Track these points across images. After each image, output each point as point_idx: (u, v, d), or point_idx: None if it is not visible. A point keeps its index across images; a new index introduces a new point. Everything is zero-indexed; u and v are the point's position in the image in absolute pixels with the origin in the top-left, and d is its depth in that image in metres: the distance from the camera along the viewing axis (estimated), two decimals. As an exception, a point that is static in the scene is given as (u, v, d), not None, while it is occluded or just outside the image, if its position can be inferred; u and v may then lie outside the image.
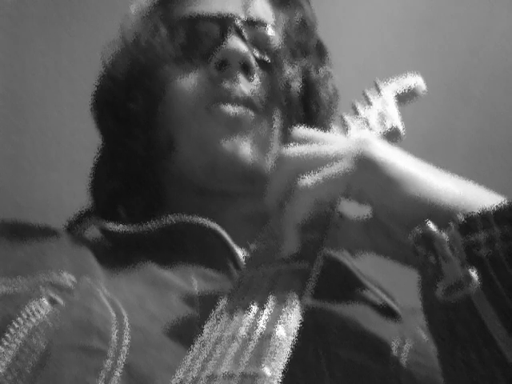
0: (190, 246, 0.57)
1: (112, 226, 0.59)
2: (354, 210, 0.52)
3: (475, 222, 0.37)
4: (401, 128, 0.58)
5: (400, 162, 0.43)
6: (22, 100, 1.31)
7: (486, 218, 0.37)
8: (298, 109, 0.66)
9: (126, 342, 0.43)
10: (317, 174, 0.44)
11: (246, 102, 0.61)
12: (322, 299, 0.54)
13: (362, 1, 1.36)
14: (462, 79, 1.35)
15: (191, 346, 0.37)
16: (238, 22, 0.64)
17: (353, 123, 0.62)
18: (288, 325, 0.36)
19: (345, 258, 0.61)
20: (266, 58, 0.65)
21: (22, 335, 0.43)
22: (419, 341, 0.52)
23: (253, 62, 0.63)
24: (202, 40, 0.64)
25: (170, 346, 0.44)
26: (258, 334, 0.35)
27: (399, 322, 0.58)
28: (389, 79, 0.68)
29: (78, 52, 1.25)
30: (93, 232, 0.64)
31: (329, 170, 0.44)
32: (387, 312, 0.59)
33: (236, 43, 0.62)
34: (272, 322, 0.36)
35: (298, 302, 0.38)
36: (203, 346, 0.36)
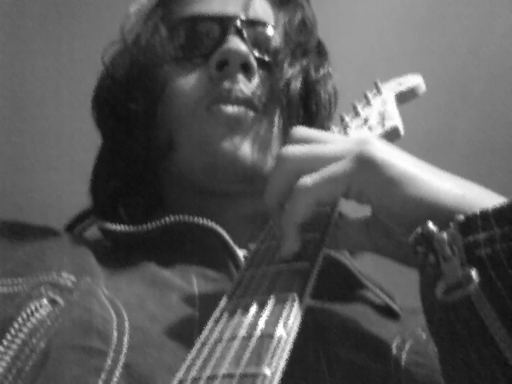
0: (190, 246, 0.57)
1: (112, 226, 0.59)
2: (353, 210, 0.52)
3: (475, 222, 0.37)
4: (401, 128, 0.58)
5: (400, 162, 0.43)
6: (22, 100, 1.30)
7: (486, 219, 0.37)
8: (298, 109, 0.66)
9: (126, 341, 0.43)
10: (317, 174, 0.44)
11: (246, 102, 0.61)
12: (322, 299, 0.54)
13: (362, 1, 1.36)
14: (461, 79, 1.35)
15: (191, 346, 0.37)
16: (238, 22, 0.64)
17: (353, 123, 0.62)
18: (288, 325, 0.36)
19: (345, 257, 0.61)
20: (266, 58, 0.65)
21: (22, 335, 0.43)
22: (419, 341, 0.52)
23: (253, 61, 0.63)
24: (202, 40, 0.64)
25: (169, 345, 0.44)
26: (258, 333, 0.35)
27: (399, 322, 0.58)
28: (389, 79, 0.68)
29: (78, 52, 1.25)
30: (93, 232, 0.64)
31: (329, 170, 0.44)
32: (387, 312, 0.59)
33: (236, 43, 0.62)
34: (272, 322, 0.36)
35: (298, 301, 0.38)
36: (203, 345, 0.36)
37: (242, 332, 0.36)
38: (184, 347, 0.42)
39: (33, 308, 0.45)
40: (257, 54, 0.64)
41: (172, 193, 0.66)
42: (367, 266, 0.63)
